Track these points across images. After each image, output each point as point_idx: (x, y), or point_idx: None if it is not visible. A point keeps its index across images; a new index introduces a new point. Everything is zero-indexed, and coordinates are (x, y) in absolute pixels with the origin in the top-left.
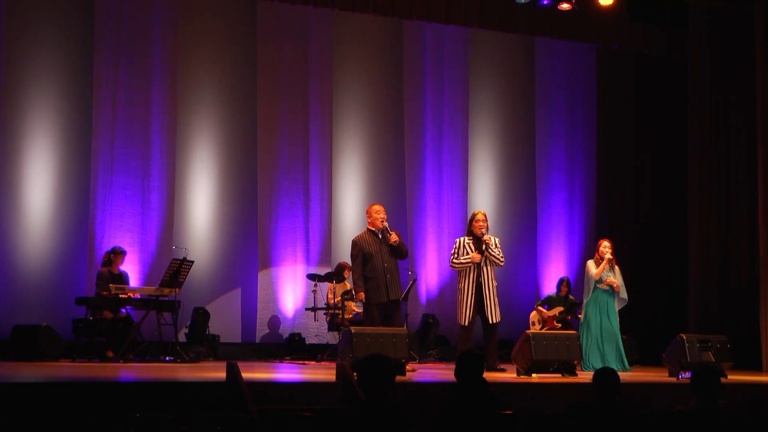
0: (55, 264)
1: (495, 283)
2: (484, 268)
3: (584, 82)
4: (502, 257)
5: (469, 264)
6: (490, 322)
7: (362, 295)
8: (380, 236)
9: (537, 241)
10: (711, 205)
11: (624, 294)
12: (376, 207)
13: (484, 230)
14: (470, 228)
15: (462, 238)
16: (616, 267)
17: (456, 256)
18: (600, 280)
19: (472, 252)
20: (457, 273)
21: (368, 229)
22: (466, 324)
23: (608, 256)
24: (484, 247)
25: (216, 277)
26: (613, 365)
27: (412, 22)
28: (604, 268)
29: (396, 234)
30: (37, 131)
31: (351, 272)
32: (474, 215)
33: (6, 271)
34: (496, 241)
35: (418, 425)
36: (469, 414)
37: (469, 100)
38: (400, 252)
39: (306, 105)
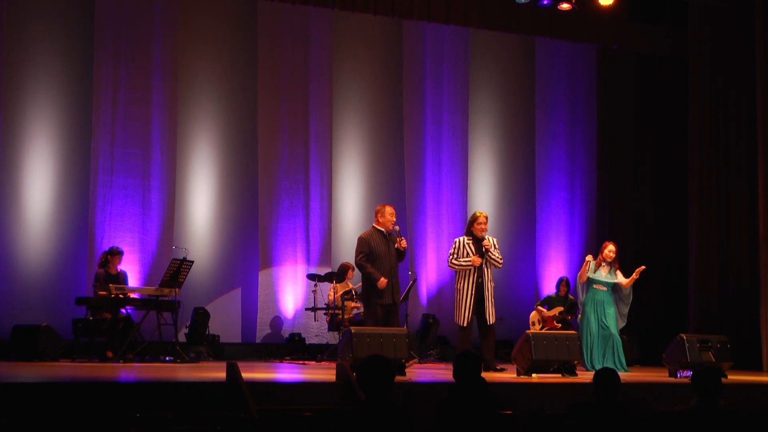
0: (55, 264)
1: (493, 284)
2: (485, 270)
3: (584, 82)
4: (501, 259)
5: (470, 266)
6: (489, 322)
7: (384, 280)
8: (387, 237)
9: (536, 241)
10: (711, 205)
11: (627, 290)
12: (390, 209)
13: (484, 233)
14: (470, 228)
15: (462, 238)
16: (618, 271)
17: (455, 256)
18: (595, 280)
19: (472, 253)
20: (456, 273)
21: (375, 228)
22: (465, 325)
23: (589, 259)
24: (483, 250)
25: (216, 277)
26: (611, 365)
27: (412, 22)
28: (594, 269)
29: (402, 240)
30: (37, 131)
31: (356, 266)
32: (476, 216)
33: (6, 271)
34: (494, 242)
35: (418, 425)
36: (468, 414)
37: (469, 100)
38: (402, 255)
39: (306, 105)
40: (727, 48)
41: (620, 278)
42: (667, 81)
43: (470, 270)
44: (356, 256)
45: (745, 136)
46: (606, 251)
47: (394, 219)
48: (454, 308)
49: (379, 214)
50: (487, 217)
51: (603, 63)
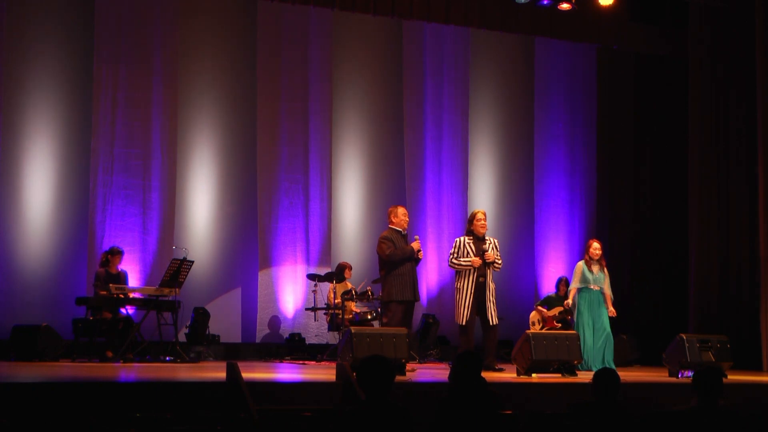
0: (55, 264)
1: (493, 285)
2: (486, 270)
3: (584, 82)
4: (500, 261)
5: (470, 267)
6: (491, 323)
7: (416, 241)
8: (405, 237)
9: (536, 241)
10: (711, 205)
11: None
12: (402, 209)
13: (485, 231)
14: (470, 227)
15: (462, 238)
16: (606, 276)
17: (455, 256)
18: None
19: (473, 253)
20: (456, 272)
21: (392, 229)
22: (464, 323)
23: (580, 266)
24: (485, 259)
25: (216, 277)
26: (609, 363)
27: (412, 22)
28: (588, 272)
29: (420, 252)
30: (37, 131)
31: (387, 262)
32: (474, 214)
33: (6, 271)
34: (495, 243)
35: (418, 425)
36: (468, 414)
37: (469, 100)
38: (418, 259)
39: (306, 105)
40: (727, 48)
41: (607, 287)
42: (667, 81)
43: (470, 269)
44: (384, 253)
45: (745, 136)
46: (592, 249)
47: (407, 219)
48: (455, 307)
49: (392, 215)
50: (485, 214)
51: (603, 63)
